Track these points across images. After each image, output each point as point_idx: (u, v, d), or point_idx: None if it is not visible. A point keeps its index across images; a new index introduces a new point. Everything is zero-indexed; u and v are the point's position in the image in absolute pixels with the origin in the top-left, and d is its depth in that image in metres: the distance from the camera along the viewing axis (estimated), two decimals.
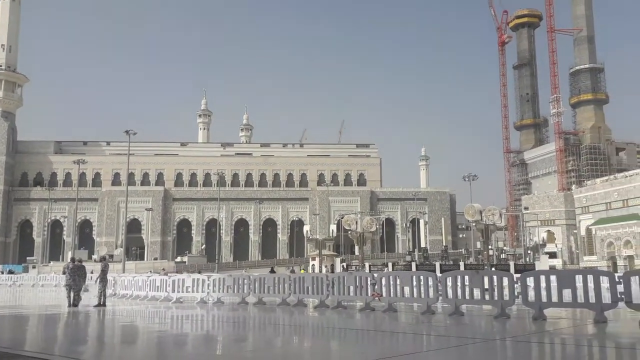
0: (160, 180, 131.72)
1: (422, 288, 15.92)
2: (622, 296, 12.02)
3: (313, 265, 73.96)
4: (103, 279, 22.26)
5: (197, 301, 22.51)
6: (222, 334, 12.89)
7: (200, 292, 22.98)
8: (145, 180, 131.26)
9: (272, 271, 58.22)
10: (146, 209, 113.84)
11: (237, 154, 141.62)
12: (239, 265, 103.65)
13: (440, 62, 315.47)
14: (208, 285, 22.83)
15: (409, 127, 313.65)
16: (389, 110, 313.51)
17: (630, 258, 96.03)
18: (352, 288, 17.96)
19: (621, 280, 12.26)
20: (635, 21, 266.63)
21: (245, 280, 21.93)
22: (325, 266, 66.87)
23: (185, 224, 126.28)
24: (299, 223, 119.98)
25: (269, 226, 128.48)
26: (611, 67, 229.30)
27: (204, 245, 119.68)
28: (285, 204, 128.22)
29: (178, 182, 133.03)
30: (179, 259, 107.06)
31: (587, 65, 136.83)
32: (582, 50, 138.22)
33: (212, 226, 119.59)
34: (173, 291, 24.19)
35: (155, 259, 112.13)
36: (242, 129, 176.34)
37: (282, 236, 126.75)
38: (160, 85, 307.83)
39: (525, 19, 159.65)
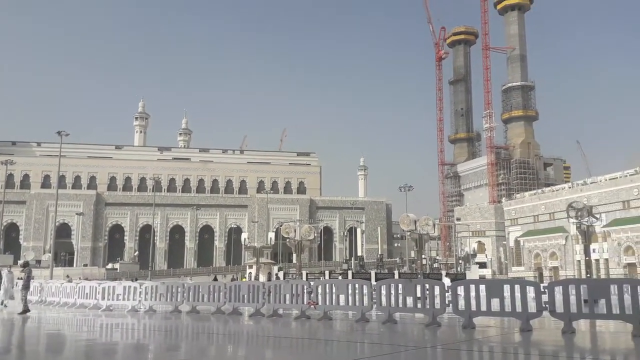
0: (92, 184, 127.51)
1: (357, 296, 16.07)
2: (547, 305, 12.53)
3: (250, 273, 73.37)
4: (27, 285, 21.36)
5: (128, 309, 21.87)
6: (153, 343, 12.57)
7: (132, 300, 22.34)
8: (76, 184, 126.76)
9: (216, 279, 57.44)
10: (77, 214, 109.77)
11: (175, 158, 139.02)
12: (173, 272, 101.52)
13: (381, 74, 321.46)
14: (140, 293, 22.22)
15: (349, 137, 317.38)
16: (330, 120, 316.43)
17: (555, 269, 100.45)
18: (288, 296, 17.94)
19: (546, 290, 12.78)
20: (563, 42, 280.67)
21: (179, 288, 21.50)
22: (256, 276, 66.46)
23: (117, 230, 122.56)
24: (237, 230, 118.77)
25: (205, 233, 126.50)
26: (541, 85, 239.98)
27: (137, 252, 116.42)
28: (223, 211, 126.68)
29: (111, 186, 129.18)
30: (110, 265, 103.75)
31: (518, 83, 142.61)
32: (514, 68, 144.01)
33: (146, 232, 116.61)
34: (103, 299, 23.44)
35: (85, 265, 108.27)
36: (180, 133, 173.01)
37: (219, 243, 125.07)
38: (95, 86, 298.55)
39: (461, 36, 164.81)
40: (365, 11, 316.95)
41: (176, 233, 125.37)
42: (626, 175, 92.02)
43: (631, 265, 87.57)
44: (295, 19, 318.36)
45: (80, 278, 57.56)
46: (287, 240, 66.20)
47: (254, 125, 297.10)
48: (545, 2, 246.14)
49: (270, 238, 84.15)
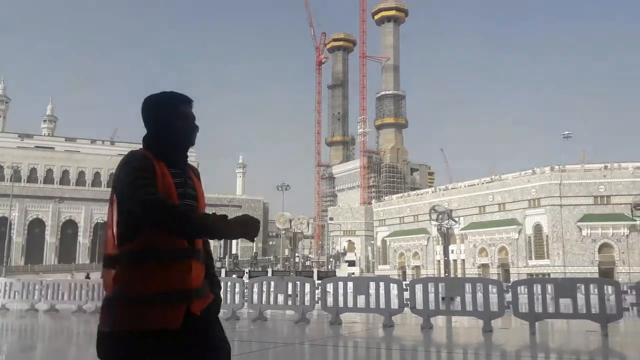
0: None
1: (228, 294, 15.99)
2: (408, 302, 13.28)
3: None
4: None
5: None
6: (5, 343, 11.63)
7: None
8: None
9: (88, 277, 54.36)
10: None
11: (37, 147, 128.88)
12: (31, 269, 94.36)
13: (263, 74, 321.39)
14: None
15: (228, 135, 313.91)
16: (209, 116, 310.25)
17: (417, 268, 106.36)
18: None
19: (408, 287, 13.54)
20: (431, 55, 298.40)
21: (36, 285, 20.08)
22: None
23: None
24: (104, 226, 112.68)
25: (69, 228, 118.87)
26: (411, 94, 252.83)
27: None
28: (89, 205, 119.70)
29: None
30: None
31: (391, 92, 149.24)
32: (388, 77, 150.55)
33: (1, 225, 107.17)
34: None
35: None
36: (44, 120, 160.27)
37: (84, 239, 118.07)
38: None
39: (341, 43, 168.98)
40: (251, 8, 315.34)
41: (36, 227, 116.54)
42: (483, 183, 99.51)
43: (485, 266, 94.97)
44: (175, 12, 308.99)
45: None
46: None
47: (127, 117, 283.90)
48: (418, 17, 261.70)
49: None
